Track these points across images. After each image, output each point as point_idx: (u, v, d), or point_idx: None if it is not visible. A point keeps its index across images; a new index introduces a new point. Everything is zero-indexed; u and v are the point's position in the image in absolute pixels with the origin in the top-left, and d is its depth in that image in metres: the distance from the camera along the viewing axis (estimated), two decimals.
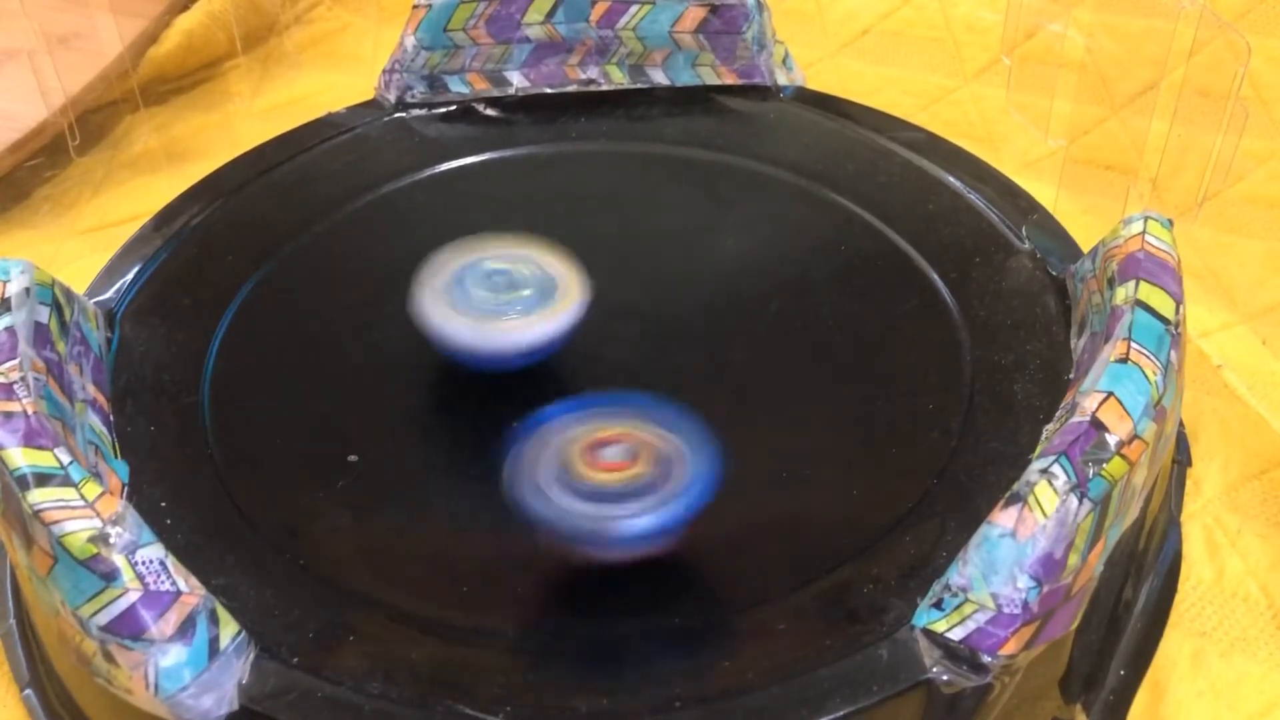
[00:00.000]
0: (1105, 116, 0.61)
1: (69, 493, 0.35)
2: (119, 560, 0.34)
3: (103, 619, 0.34)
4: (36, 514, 0.35)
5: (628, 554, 0.37)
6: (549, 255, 0.45)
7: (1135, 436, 0.36)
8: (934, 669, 0.35)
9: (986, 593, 0.34)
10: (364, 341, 0.47)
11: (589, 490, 0.37)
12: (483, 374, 0.45)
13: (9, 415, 0.36)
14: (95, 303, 0.47)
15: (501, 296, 0.43)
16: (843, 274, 0.50)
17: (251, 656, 0.36)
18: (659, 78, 0.59)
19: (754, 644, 0.37)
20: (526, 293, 0.44)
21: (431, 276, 0.44)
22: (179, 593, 0.34)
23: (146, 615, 0.34)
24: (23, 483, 0.35)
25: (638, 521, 0.36)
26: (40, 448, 0.36)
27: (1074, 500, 0.35)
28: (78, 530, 0.34)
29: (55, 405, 0.39)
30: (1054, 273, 0.48)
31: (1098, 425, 0.36)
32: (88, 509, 0.34)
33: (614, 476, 0.37)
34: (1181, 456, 0.47)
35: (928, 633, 0.35)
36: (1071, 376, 0.44)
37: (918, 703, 0.35)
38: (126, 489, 0.41)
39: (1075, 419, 0.36)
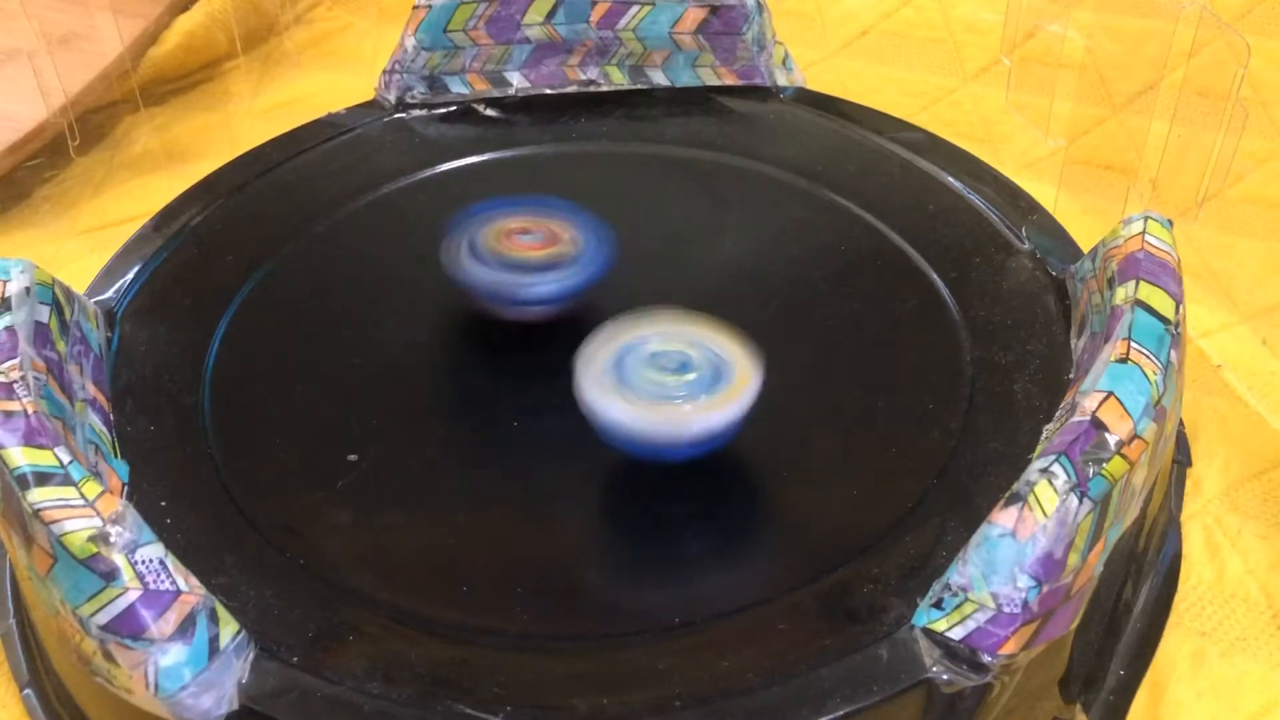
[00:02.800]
0: (1105, 117, 0.61)
1: (69, 492, 0.35)
2: (119, 559, 0.34)
3: (103, 618, 0.34)
4: (36, 513, 0.35)
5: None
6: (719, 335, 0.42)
7: (1135, 436, 0.36)
8: (934, 669, 0.35)
9: (986, 592, 0.34)
10: (364, 341, 0.47)
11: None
12: (482, 374, 0.45)
13: (9, 415, 0.37)
14: (95, 302, 0.47)
15: (670, 379, 0.40)
16: (843, 274, 0.50)
17: (251, 656, 0.36)
18: (659, 78, 0.59)
19: (754, 644, 0.37)
20: (693, 376, 0.40)
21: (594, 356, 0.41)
22: (179, 592, 0.34)
23: (146, 614, 0.34)
24: (23, 482, 0.35)
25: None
26: (40, 447, 0.36)
27: (1074, 500, 0.35)
28: (78, 529, 0.34)
29: (55, 405, 0.39)
30: (1054, 273, 0.48)
31: (1098, 425, 0.36)
32: (88, 508, 0.34)
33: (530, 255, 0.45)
34: (1181, 456, 0.47)
35: (928, 632, 0.35)
36: (1071, 376, 0.44)
37: (918, 702, 0.35)
38: (126, 489, 0.41)
39: (1075, 419, 0.36)
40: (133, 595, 0.34)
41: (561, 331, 0.44)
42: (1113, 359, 0.37)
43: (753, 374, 0.40)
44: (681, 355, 0.41)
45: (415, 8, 0.57)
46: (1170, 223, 0.43)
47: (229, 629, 0.35)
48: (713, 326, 0.42)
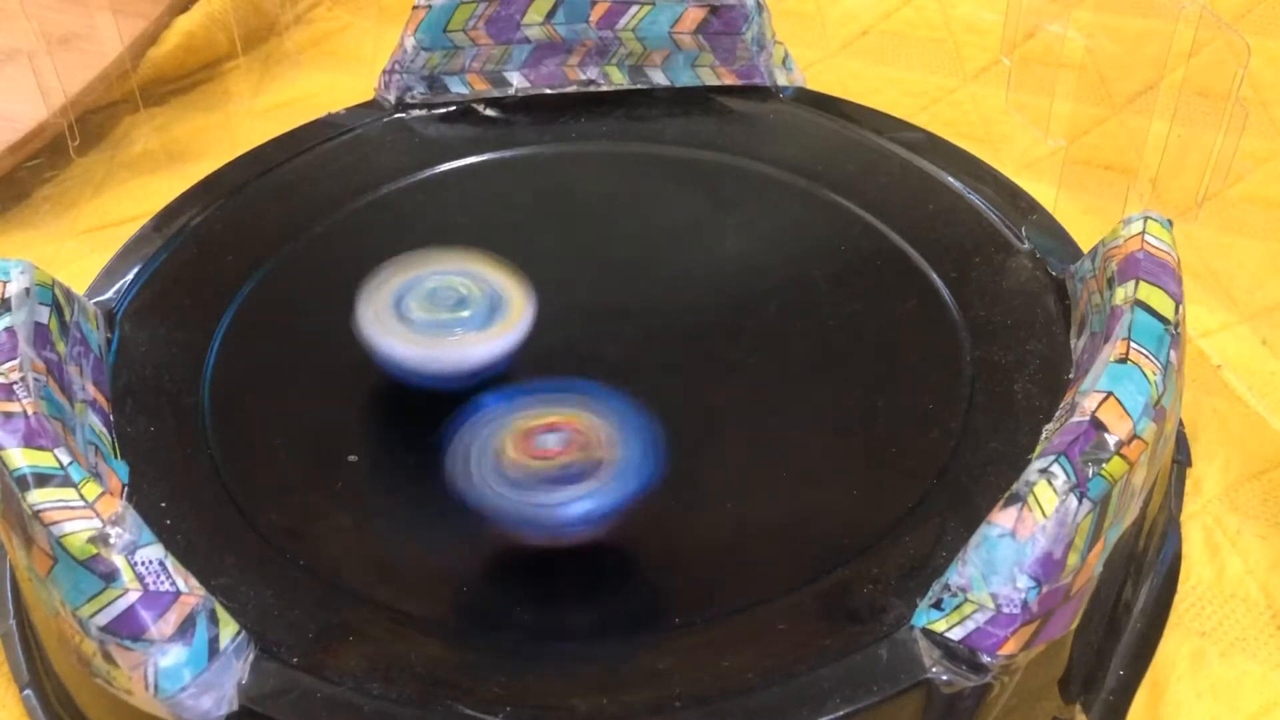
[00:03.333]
0: (1105, 116, 0.61)
1: (69, 493, 0.35)
2: (119, 560, 0.34)
3: (102, 619, 0.34)
4: (36, 514, 0.35)
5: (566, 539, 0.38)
6: (495, 270, 0.44)
7: (1135, 436, 0.36)
8: (934, 669, 0.35)
9: (986, 593, 0.34)
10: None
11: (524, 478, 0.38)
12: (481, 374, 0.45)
13: (9, 415, 0.36)
14: (95, 303, 0.47)
15: (446, 315, 0.43)
16: (843, 274, 0.50)
17: (251, 656, 0.36)
18: (659, 78, 0.59)
19: (754, 644, 0.37)
20: (467, 312, 0.43)
21: (373, 294, 0.43)
22: (179, 593, 0.34)
23: (146, 615, 0.34)
24: (23, 483, 0.35)
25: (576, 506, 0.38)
26: (40, 448, 0.36)
27: (1073, 500, 0.35)
28: (78, 530, 0.34)
29: (55, 405, 0.39)
30: (1054, 273, 0.48)
31: (1097, 425, 0.36)
32: (88, 509, 0.34)
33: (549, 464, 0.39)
34: (1181, 456, 0.47)
35: (927, 633, 0.35)
36: (1071, 376, 0.44)
37: (917, 703, 0.35)
38: (126, 489, 0.41)
39: (1075, 419, 0.36)
40: (132, 596, 0.34)
41: (562, 332, 0.44)
42: (1112, 359, 0.37)
43: (527, 307, 0.43)
44: (458, 291, 0.43)
45: (415, 8, 0.57)
46: (1170, 223, 0.43)
47: (229, 630, 0.35)
48: (490, 262, 0.44)
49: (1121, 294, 0.40)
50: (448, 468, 0.39)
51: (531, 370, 0.46)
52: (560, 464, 0.38)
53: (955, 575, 0.35)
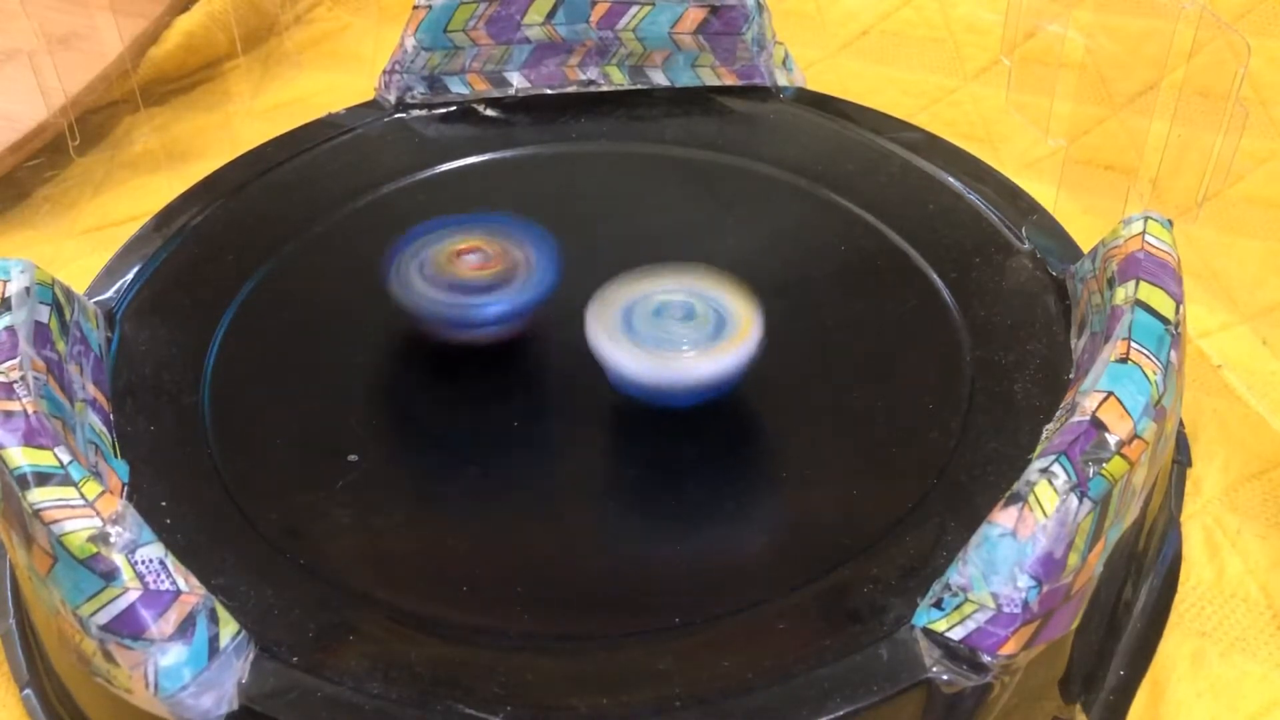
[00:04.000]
0: (1105, 116, 0.61)
1: (69, 492, 0.35)
2: (119, 559, 0.34)
3: (102, 618, 0.34)
4: (36, 513, 0.35)
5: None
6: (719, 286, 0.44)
7: (1135, 436, 0.36)
8: (934, 669, 0.35)
9: (986, 592, 0.34)
10: (364, 342, 0.47)
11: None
12: (482, 376, 0.45)
13: (9, 415, 0.37)
14: (95, 302, 0.47)
15: (676, 328, 0.42)
16: (843, 274, 0.50)
17: (251, 656, 0.36)
18: (659, 78, 0.59)
19: (754, 644, 0.37)
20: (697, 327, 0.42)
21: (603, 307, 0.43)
22: (179, 592, 0.34)
23: (146, 615, 0.34)
24: (23, 482, 0.35)
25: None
26: (40, 447, 0.36)
27: (1074, 500, 0.35)
28: (78, 529, 0.34)
29: (55, 405, 0.39)
30: (1054, 273, 0.48)
31: (1098, 425, 0.36)
32: (88, 508, 0.34)
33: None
34: (1181, 456, 0.47)
35: (928, 632, 0.35)
36: (1071, 376, 0.44)
37: (918, 702, 0.35)
38: (126, 489, 0.41)
39: (1075, 419, 0.36)
40: (132, 595, 0.34)
41: (562, 332, 0.44)
42: (1113, 359, 0.37)
43: (754, 324, 0.42)
44: (686, 306, 0.43)
45: (415, 8, 0.57)
46: (1170, 223, 0.43)
47: (229, 629, 0.35)
48: (717, 280, 0.44)
49: (1122, 294, 0.40)
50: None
51: (529, 371, 0.46)
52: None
53: (956, 575, 0.35)
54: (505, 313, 0.45)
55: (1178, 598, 0.43)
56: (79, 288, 0.46)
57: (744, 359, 0.42)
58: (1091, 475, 0.35)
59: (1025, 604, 0.34)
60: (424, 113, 0.58)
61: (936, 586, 0.36)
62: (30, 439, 0.36)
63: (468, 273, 0.45)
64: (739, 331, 0.42)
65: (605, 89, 0.59)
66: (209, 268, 0.50)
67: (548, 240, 0.47)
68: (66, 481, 0.35)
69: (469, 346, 0.46)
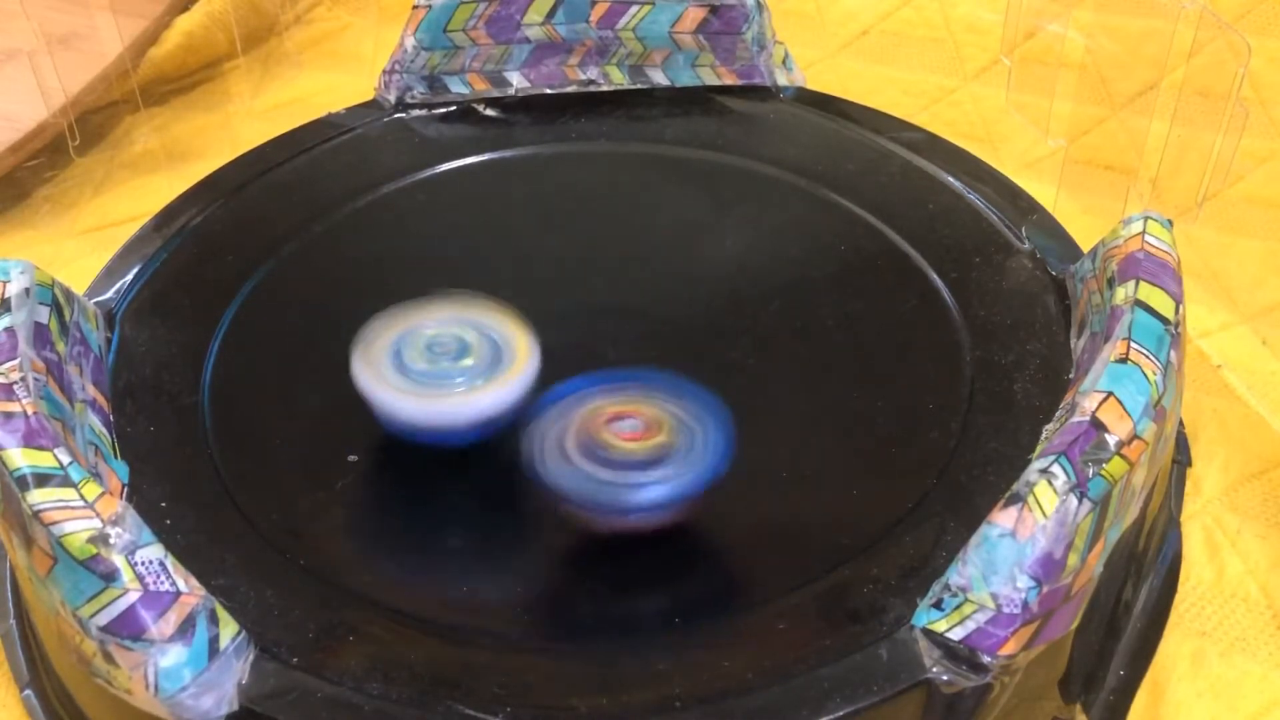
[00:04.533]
0: (1105, 116, 0.61)
1: (69, 493, 0.35)
2: (119, 560, 0.34)
3: (102, 619, 0.34)
4: (36, 514, 0.35)
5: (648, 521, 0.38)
6: (496, 317, 0.42)
7: (1135, 436, 0.36)
8: (934, 669, 0.35)
9: (986, 593, 0.34)
10: None
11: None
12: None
13: (9, 415, 0.36)
14: (95, 303, 0.47)
15: (447, 364, 0.40)
16: (843, 274, 0.50)
17: (251, 656, 0.36)
18: (659, 78, 0.59)
19: (754, 644, 0.37)
20: (470, 361, 0.41)
21: (368, 346, 0.41)
22: (179, 593, 0.34)
23: (146, 615, 0.34)
24: (23, 483, 0.35)
25: (658, 489, 0.38)
26: (40, 448, 0.36)
27: (1074, 500, 0.35)
28: (77, 530, 0.34)
29: (55, 405, 0.39)
30: (1054, 273, 0.48)
31: (1098, 425, 0.36)
32: (88, 509, 0.34)
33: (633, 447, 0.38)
34: (1181, 456, 0.47)
35: (928, 633, 0.35)
36: (1071, 376, 0.44)
37: (918, 703, 0.35)
38: (126, 489, 0.41)
39: (1075, 419, 0.36)
40: (132, 596, 0.34)
41: (562, 332, 0.44)
42: (1112, 359, 0.37)
43: (530, 355, 0.41)
44: (458, 340, 0.41)
45: (415, 8, 0.57)
46: (1170, 223, 0.43)
47: (229, 630, 0.35)
48: (492, 309, 0.42)
49: (1122, 294, 0.40)
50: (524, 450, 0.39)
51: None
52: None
53: (955, 575, 0.35)
54: (670, 496, 0.38)
55: (1178, 598, 0.43)
56: (79, 288, 0.46)
57: (523, 390, 0.40)
58: (1091, 475, 0.35)
59: (1025, 604, 0.34)
60: (424, 113, 0.58)
61: (936, 587, 0.36)
62: (30, 440, 0.36)
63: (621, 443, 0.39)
64: (516, 362, 0.40)
65: (605, 89, 0.59)
66: (209, 268, 0.50)
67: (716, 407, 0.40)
68: (66, 483, 0.35)
69: None
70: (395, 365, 0.41)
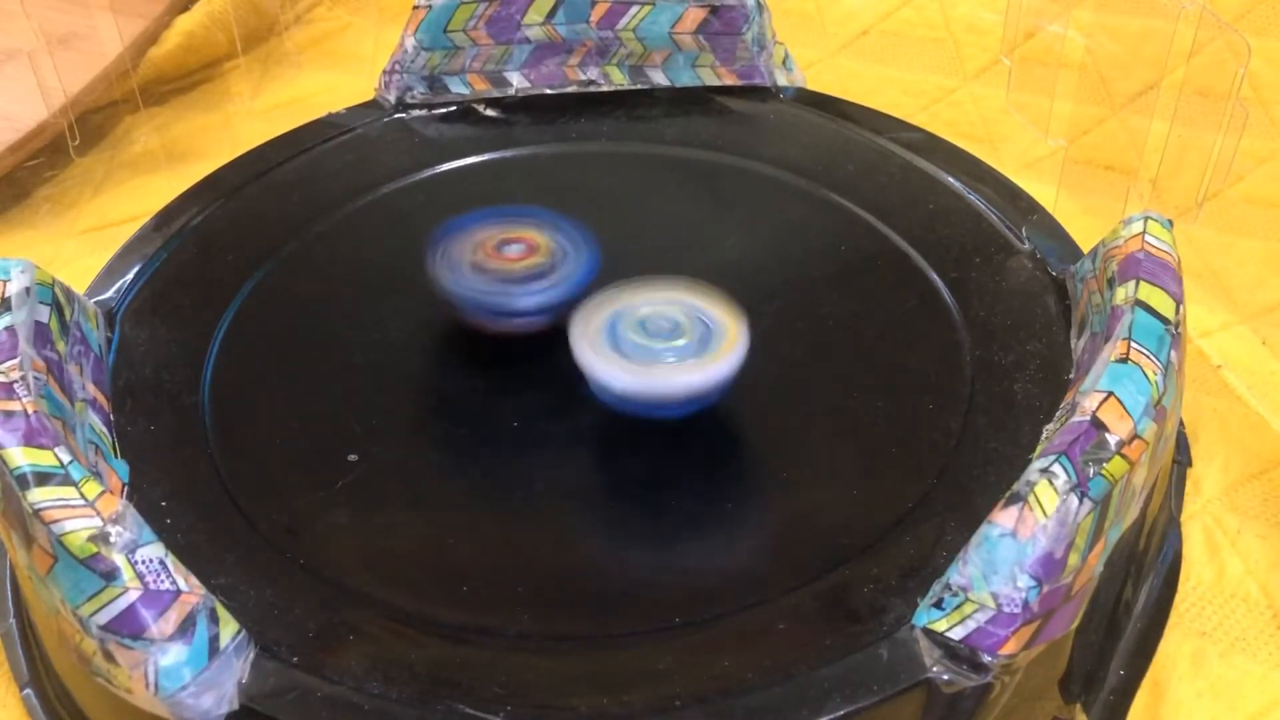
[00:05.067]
0: (1105, 116, 0.61)
1: (69, 492, 0.35)
2: (119, 559, 0.34)
3: (102, 618, 0.34)
4: (36, 513, 0.35)
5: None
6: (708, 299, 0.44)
7: (1135, 436, 0.36)
8: (934, 669, 0.35)
9: (987, 592, 0.34)
10: (364, 341, 0.47)
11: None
12: (483, 374, 0.45)
13: (9, 415, 0.37)
14: (95, 302, 0.47)
15: (660, 343, 0.42)
16: (843, 274, 0.50)
17: (251, 656, 0.36)
18: (659, 78, 0.59)
19: (754, 644, 0.37)
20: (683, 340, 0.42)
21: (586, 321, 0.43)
22: (179, 592, 0.34)
23: (146, 614, 0.34)
24: (23, 482, 0.35)
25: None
26: (40, 447, 0.36)
27: (1074, 500, 0.35)
28: (78, 529, 0.34)
29: (55, 405, 0.39)
30: (1054, 273, 0.48)
31: (1098, 425, 0.36)
32: (88, 508, 0.34)
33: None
34: (1181, 456, 0.47)
35: (928, 632, 0.35)
36: (1071, 376, 0.44)
37: (918, 702, 0.35)
38: (126, 489, 0.41)
39: (1075, 419, 0.36)
40: (133, 595, 0.34)
41: (561, 334, 0.44)
42: (1113, 359, 0.37)
43: (740, 337, 0.42)
44: (671, 319, 0.43)
45: (415, 8, 0.57)
46: (1170, 223, 0.43)
47: (229, 629, 0.35)
48: (703, 292, 0.44)
49: (1122, 294, 0.40)
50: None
51: (530, 370, 0.46)
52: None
53: (956, 575, 0.35)
54: (544, 304, 0.45)
55: (1178, 598, 0.43)
56: (79, 288, 0.46)
57: (730, 371, 0.41)
58: (1092, 475, 0.35)
59: (1025, 604, 0.34)
60: (424, 113, 0.58)
61: (937, 586, 0.36)
62: (30, 439, 0.36)
63: (511, 264, 0.46)
64: (725, 343, 0.42)
65: (605, 89, 0.59)
66: (209, 268, 0.50)
67: (589, 237, 0.47)
68: (66, 481, 0.35)
69: (469, 346, 0.46)
70: (610, 340, 0.42)
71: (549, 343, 0.45)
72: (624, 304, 0.43)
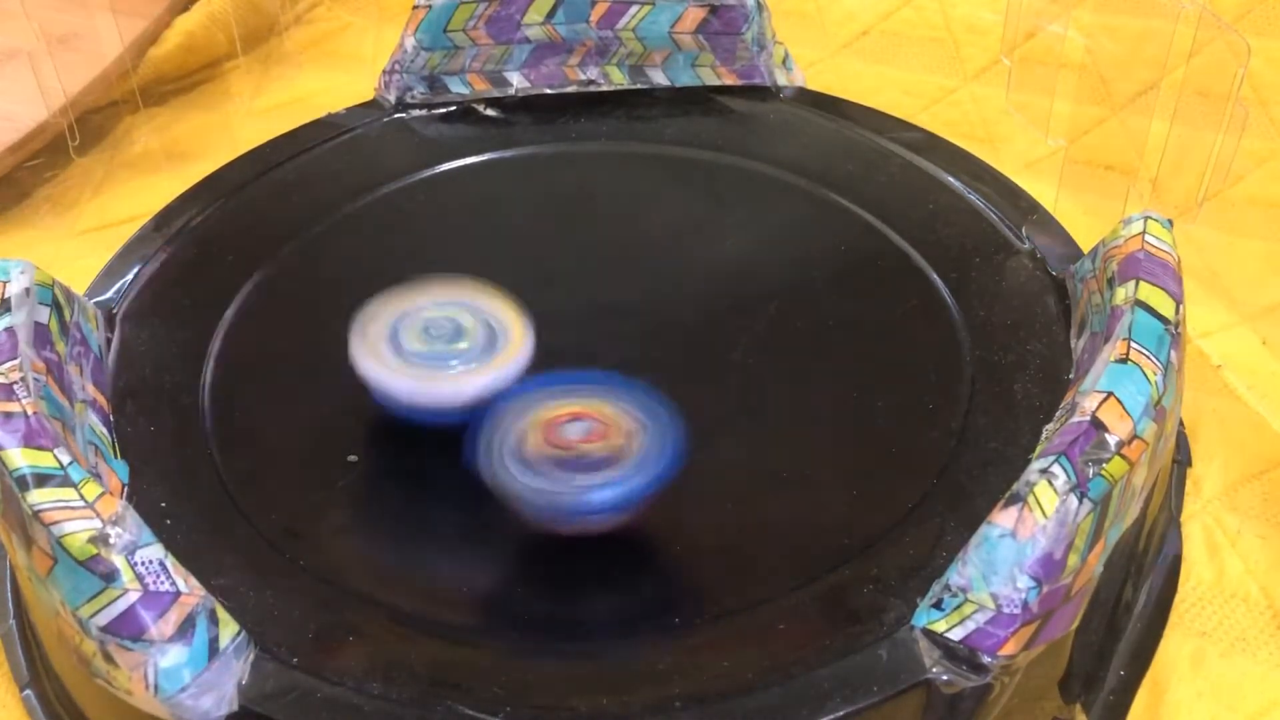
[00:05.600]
0: (1105, 116, 0.61)
1: (69, 493, 0.35)
2: (119, 561, 0.34)
3: (102, 619, 0.34)
4: (36, 514, 0.35)
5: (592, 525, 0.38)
6: (494, 302, 0.43)
7: (1135, 436, 0.36)
8: (934, 669, 0.35)
9: (986, 593, 0.34)
10: None
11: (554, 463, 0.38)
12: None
13: (9, 415, 0.36)
14: (95, 303, 0.47)
15: (443, 347, 0.41)
16: (843, 274, 0.50)
17: (251, 657, 0.36)
18: (659, 78, 0.59)
19: (754, 644, 0.37)
20: (465, 345, 0.41)
21: (366, 325, 0.42)
22: (178, 593, 0.34)
23: (146, 616, 0.34)
24: (22, 483, 0.35)
25: (603, 492, 0.37)
26: (40, 448, 0.36)
27: (1074, 500, 0.35)
28: (77, 531, 0.34)
29: (55, 406, 0.39)
30: (1054, 273, 0.48)
31: (1098, 425, 0.36)
32: (87, 509, 0.34)
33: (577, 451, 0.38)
34: (1181, 456, 0.47)
35: (928, 633, 0.35)
36: (1071, 376, 0.44)
37: (917, 703, 0.35)
38: (126, 489, 0.41)
39: (1075, 419, 0.36)
40: (132, 596, 0.34)
41: (562, 332, 0.44)
42: (1112, 359, 0.37)
43: (526, 338, 0.41)
44: (454, 322, 0.42)
45: (415, 8, 0.57)
46: (1170, 223, 0.43)
47: (229, 630, 0.35)
48: (487, 292, 0.42)
49: (1122, 294, 0.40)
50: (470, 456, 0.39)
51: (530, 370, 0.46)
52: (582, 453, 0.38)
53: (955, 575, 0.35)
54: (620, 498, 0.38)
55: (1178, 598, 0.43)
56: (79, 288, 0.46)
57: (516, 373, 0.40)
58: (1091, 476, 0.35)
59: (1025, 604, 0.34)
60: (424, 113, 0.58)
61: (936, 587, 0.36)
62: (30, 440, 0.36)
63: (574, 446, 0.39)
64: (510, 346, 0.41)
65: (605, 89, 0.59)
66: (209, 268, 0.50)
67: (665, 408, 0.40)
68: (66, 483, 0.35)
69: None
70: (392, 347, 0.41)
71: (549, 343, 0.45)
72: (406, 305, 0.42)
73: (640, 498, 0.37)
